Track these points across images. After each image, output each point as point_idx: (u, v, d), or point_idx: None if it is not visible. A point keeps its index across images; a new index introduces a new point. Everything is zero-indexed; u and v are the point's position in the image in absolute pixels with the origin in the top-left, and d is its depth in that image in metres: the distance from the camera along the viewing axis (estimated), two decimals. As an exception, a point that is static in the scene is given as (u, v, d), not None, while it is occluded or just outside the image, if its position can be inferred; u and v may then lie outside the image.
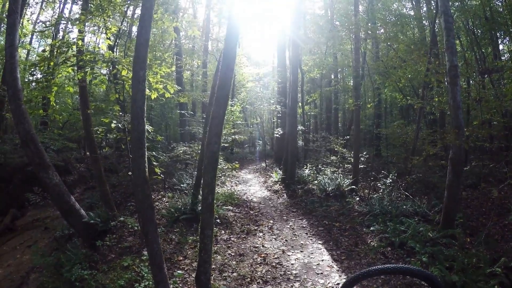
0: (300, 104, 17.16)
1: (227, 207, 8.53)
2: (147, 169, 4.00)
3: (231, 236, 6.94)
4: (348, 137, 16.10)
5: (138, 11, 12.42)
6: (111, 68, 7.12)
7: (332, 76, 21.79)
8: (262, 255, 5.97)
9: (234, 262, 5.60)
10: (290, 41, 14.42)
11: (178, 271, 5.03)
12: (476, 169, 9.82)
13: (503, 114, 9.86)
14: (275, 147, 20.43)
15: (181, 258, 5.63)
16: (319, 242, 6.73)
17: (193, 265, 5.26)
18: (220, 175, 12.27)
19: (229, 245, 6.45)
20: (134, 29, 14.38)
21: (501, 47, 15.38)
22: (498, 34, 13.64)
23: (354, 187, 10.49)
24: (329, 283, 4.96)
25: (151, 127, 6.98)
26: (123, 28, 9.80)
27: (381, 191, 9.85)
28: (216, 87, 4.48)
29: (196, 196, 7.58)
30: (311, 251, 6.25)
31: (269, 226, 7.75)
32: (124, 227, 6.94)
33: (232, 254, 6.01)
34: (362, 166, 11.83)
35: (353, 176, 10.94)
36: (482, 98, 8.47)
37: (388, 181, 9.77)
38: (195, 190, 7.78)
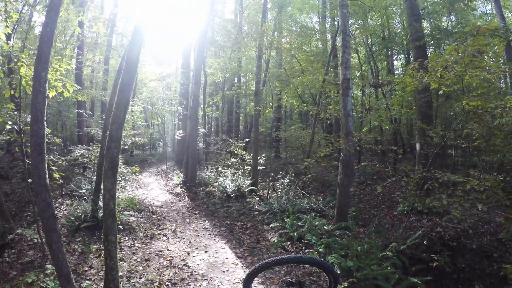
0: (202, 106, 17.31)
1: (129, 213, 8.26)
2: (47, 175, 3.77)
3: (135, 241, 6.79)
4: (248, 139, 16.83)
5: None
6: (7, 62, 6.27)
7: (235, 80, 22.33)
8: (168, 258, 6.01)
9: (141, 268, 5.53)
10: (196, 42, 14.44)
11: (87, 281, 4.77)
12: (367, 169, 11.38)
13: (392, 121, 11.63)
14: (176, 149, 20.15)
15: (86, 269, 5.31)
16: (222, 241, 7.03)
17: (100, 274, 5.04)
18: (120, 179, 11.69)
19: (134, 251, 6.31)
20: (36, 15, 12.61)
21: (395, 62, 18.26)
22: (394, 52, 16.11)
23: (254, 187, 11.07)
24: (235, 279, 5.30)
25: (48, 129, 6.37)
26: (23, 13, 8.52)
27: (279, 190, 10.66)
28: (117, 90, 4.34)
29: (97, 203, 7.17)
30: (215, 251, 6.50)
31: (172, 229, 7.78)
32: (23, 240, 6.21)
33: (138, 259, 5.90)
34: (261, 168, 12.48)
35: (253, 177, 11.53)
36: (371, 108, 9.91)
37: (286, 181, 10.63)
38: (95, 196, 7.35)
